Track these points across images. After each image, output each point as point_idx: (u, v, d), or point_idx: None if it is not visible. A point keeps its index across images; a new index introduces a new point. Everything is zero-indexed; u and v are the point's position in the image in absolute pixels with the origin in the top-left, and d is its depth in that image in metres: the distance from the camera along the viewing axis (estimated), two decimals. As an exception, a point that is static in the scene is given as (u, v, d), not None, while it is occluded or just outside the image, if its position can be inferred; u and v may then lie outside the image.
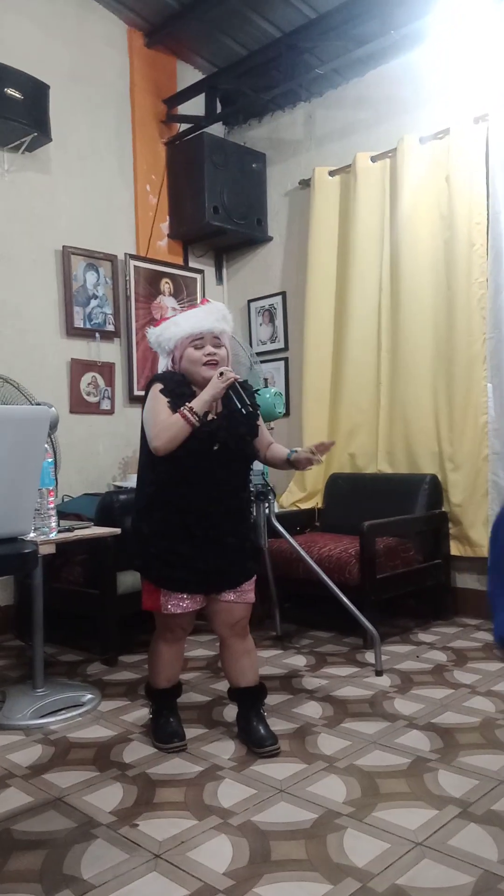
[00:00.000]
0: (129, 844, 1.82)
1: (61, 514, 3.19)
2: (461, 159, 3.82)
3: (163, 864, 1.73)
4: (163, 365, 2.45)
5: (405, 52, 4.10)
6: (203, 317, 2.32)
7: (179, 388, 2.29)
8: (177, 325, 2.33)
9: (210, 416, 2.27)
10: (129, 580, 3.28)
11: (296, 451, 2.39)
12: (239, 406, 2.22)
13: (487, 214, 3.76)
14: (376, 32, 3.82)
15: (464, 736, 2.41)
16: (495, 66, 3.76)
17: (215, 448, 2.24)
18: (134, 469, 3.51)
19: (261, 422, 2.44)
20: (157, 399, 2.26)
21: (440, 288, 3.95)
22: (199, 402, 2.21)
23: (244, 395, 2.24)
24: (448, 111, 3.92)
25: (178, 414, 2.20)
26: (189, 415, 2.18)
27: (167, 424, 2.21)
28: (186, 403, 2.21)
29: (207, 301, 2.43)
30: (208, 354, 2.29)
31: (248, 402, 2.25)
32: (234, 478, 2.33)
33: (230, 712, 2.61)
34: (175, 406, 2.23)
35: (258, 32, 4.41)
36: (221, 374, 2.22)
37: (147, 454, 2.32)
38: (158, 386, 2.29)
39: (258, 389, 2.52)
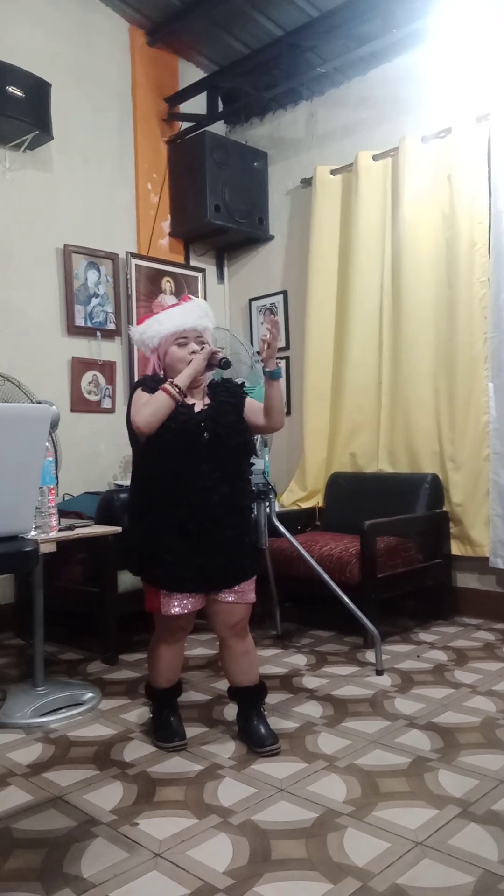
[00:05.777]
0: (130, 843, 1.82)
1: (62, 513, 3.18)
2: (463, 158, 3.81)
3: (163, 862, 1.73)
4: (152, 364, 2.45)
5: (407, 51, 4.10)
6: (186, 314, 2.34)
7: (159, 383, 2.30)
8: (160, 324, 2.34)
9: (200, 407, 2.29)
10: (129, 579, 3.27)
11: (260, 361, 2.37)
12: (219, 365, 2.30)
13: (489, 214, 3.76)
14: (378, 31, 3.81)
15: (464, 736, 2.41)
16: (497, 64, 3.76)
17: (206, 437, 2.24)
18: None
19: (249, 400, 2.41)
20: (139, 395, 2.29)
21: (441, 287, 3.95)
22: (182, 377, 2.25)
23: (224, 357, 2.31)
24: (450, 110, 3.91)
25: (160, 389, 2.23)
26: (171, 388, 2.22)
27: (148, 399, 2.23)
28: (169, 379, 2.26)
29: (189, 298, 2.44)
30: (193, 353, 2.31)
31: (224, 358, 2.31)
32: (228, 467, 2.29)
33: (230, 711, 2.61)
34: None
35: (260, 31, 4.40)
36: (195, 352, 2.28)
37: (138, 457, 2.33)
38: (139, 389, 2.32)
39: (253, 388, 2.50)
